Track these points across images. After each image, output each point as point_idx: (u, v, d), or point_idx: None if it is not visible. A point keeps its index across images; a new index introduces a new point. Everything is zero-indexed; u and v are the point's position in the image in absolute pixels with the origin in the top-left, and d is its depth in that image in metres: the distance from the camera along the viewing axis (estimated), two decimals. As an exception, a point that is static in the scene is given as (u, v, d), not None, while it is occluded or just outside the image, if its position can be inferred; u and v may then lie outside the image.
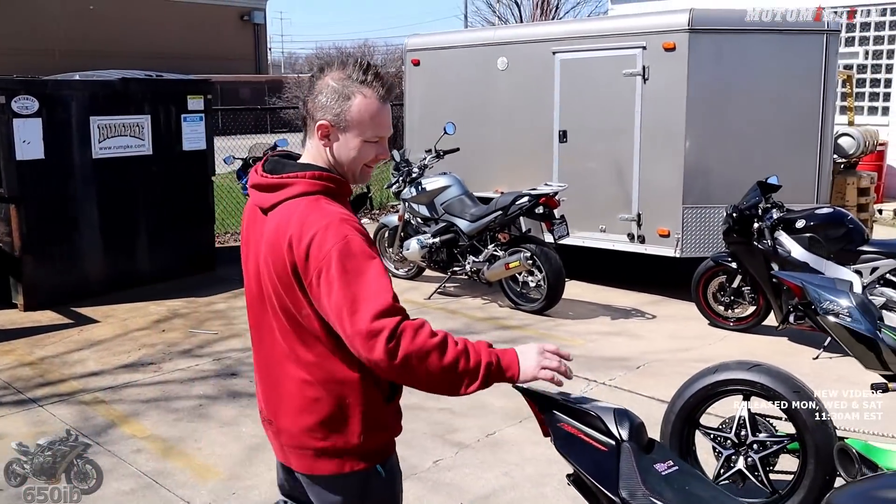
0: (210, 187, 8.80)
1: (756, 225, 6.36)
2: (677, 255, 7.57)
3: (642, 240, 7.83)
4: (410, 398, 5.32)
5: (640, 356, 6.09)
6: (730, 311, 6.88)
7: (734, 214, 6.44)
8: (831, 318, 3.39)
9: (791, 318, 3.70)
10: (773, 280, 6.38)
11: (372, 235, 8.94)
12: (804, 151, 7.60)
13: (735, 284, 6.73)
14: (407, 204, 8.05)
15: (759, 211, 6.40)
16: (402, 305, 2.00)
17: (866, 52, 14.02)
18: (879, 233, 10.21)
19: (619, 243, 7.99)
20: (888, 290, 5.97)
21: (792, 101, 7.59)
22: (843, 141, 9.32)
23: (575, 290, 8.03)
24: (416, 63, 9.73)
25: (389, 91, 2.14)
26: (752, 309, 6.79)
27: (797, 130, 7.60)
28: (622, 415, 2.04)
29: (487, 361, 2.01)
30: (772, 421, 3.71)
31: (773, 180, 6.48)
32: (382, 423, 2.22)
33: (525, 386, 2.30)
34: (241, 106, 23.27)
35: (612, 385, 5.55)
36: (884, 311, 5.94)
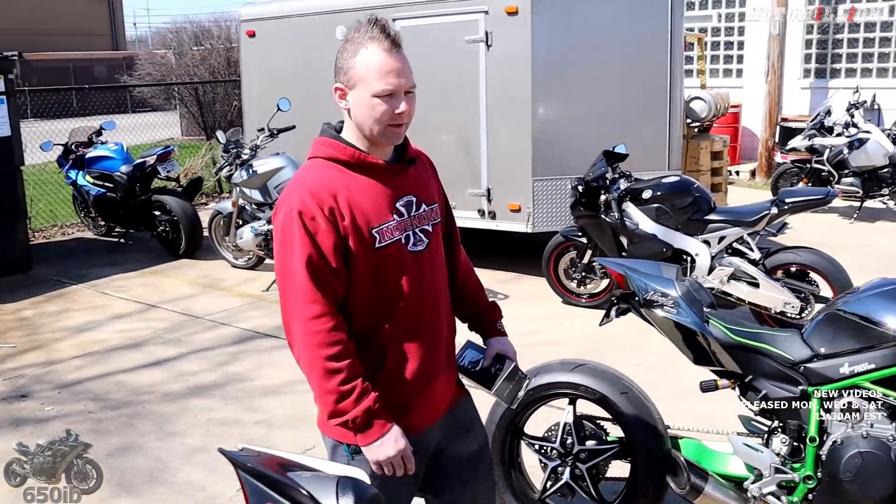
0: (18, 178, 7.83)
1: (603, 197, 6.05)
2: (529, 231, 7.21)
3: (493, 215, 7.42)
4: (224, 411, 4.78)
5: (488, 343, 5.67)
6: (582, 287, 6.57)
7: (580, 187, 6.11)
8: (657, 312, 3.00)
9: (613, 312, 3.28)
10: (623, 254, 6.11)
11: (206, 224, 8.27)
12: (654, 117, 7.34)
13: (585, 260, 6.42)
14: (239, 189, 7.36)
15: (607, 182, 6.09)
16: (318, 296, 2.06)
17: (719, 16, 14.09)
18: (735, 194, 10.19)
19: (470, 220, 7.55)
20: (736, 260, 5.75)
21: (640, 65, 7.29)
22: (695, 105, 9.15)
23: (427, 272, 7.57)
24: (252, 34, 8.98)
25: (395, 42, 2.07)
26: (604, 284, 6.50)
27: (646, 95, 7.32)
28: (347, 487, 1.54)
29: (355, 416, 2.06)
30: (603, 424, 3.32)
31: (620, 149, 6.17)
32: None
33: (237, 448, 1.78)
34: (65, 86, 21.47)
35: (452, 380, 5.10)
36: (732, 281, 5.75)
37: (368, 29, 2.08)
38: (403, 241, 2.18)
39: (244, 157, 7.26)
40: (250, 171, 7.16)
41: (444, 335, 2.33)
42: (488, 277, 7.44)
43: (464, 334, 2.50)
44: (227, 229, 7.75)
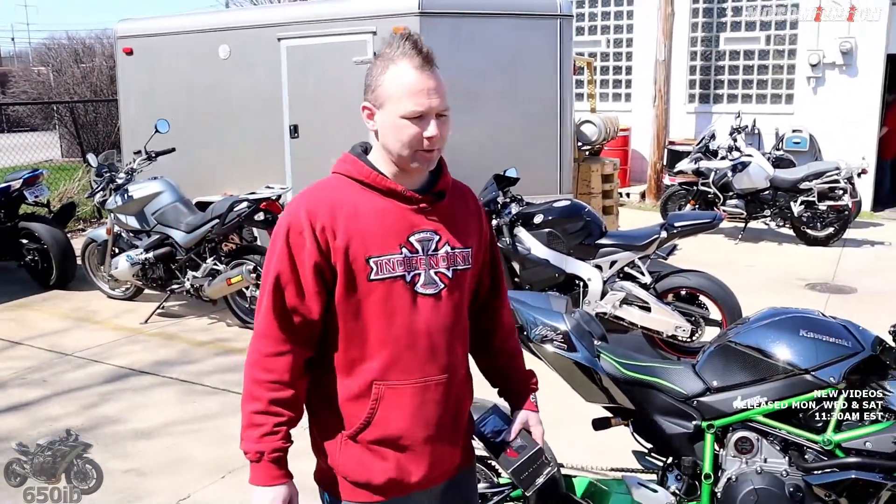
0: None
1: (494, 222, 5.94)
2: (422, 256, 7.04)
3: (385, 241, 7.22)
4: (97, 457, 4.39)
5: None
6: (476, 314, 6.43)
7: (471, 212, 5.98)
8: (547, 347, 2.86)
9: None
10: (516, 279, 6.01)
11: (79, 252, 7.75)
12: (545, 140, 7.33)
13: (479, 286, 6.29)
14: (114, 215, 6.92)
15: (498, 206, 5.99)
16: (273, 316, 1.93)
17: (608, 41, 14.39)
18: (626, 216, 10.33)
19: (362, 246, 7.34)
20: (627, 284, 5.73)
21: (530, 89, 7.28)
22: (585, 128, 9.24)
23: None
24: (129, 52, 8.55)
25: (427, 59, 1.90)
26: (498, 310, 6.38)
27: (537, 119, 7.31)
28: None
29: (248, 450, 1.94)
30: (494, 465, 3.15)
31: (511, 172, 6.07)
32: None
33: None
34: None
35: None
36: (624, 305, 5.73)
37: (400, 44, 1.91)
38: (409, 279, 1.95)
39: (119, 181, 6.84)
40: (126, 196, 6.74)
41: (451, 394, 2.04)
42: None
43: (491, 396, 2.32)
44: (102, 258, 7.26)
